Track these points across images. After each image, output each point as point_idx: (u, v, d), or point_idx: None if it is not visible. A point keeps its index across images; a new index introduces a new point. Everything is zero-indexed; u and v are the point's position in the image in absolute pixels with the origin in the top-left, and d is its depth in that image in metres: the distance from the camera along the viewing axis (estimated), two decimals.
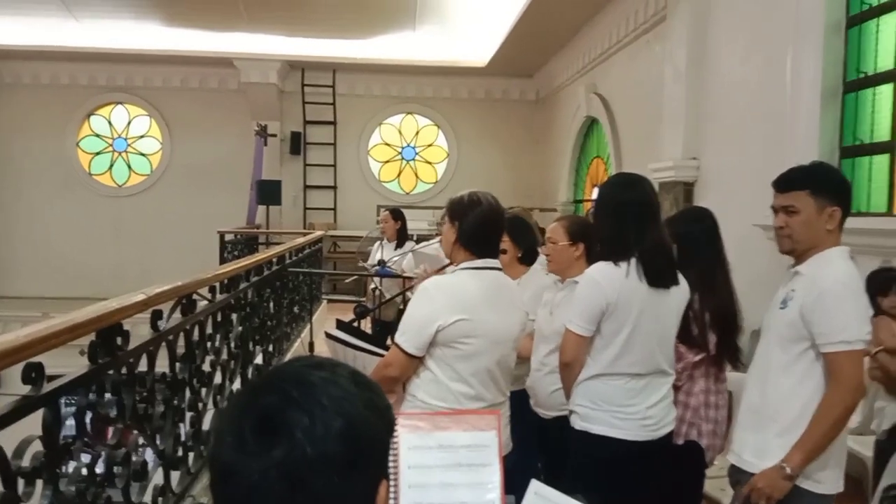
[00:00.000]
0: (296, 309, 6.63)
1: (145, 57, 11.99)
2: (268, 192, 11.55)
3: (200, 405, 3.18)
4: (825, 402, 2.18)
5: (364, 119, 13.22)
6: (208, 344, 3.33)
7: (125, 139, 13.36)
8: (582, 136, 10.62)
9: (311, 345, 4.64)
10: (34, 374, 1.78)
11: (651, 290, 2.50)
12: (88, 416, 2.11)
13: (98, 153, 13.31)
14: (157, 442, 2.67)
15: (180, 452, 2.91)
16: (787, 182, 2.32)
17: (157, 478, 2.66)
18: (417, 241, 6.17)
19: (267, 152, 12.26)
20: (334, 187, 13.04)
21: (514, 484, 1.70)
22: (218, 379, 3.47)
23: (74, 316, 2.03)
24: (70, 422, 2.02)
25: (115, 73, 12.75)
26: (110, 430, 2.27)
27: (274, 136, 12.51)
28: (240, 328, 3.99)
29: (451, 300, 2.38)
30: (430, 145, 13.61)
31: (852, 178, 4.48)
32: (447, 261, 2.67)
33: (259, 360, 4.62)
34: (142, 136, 13.36)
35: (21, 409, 1.75)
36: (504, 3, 9.34)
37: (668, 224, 2.82)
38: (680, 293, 2.61)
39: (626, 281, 2.48)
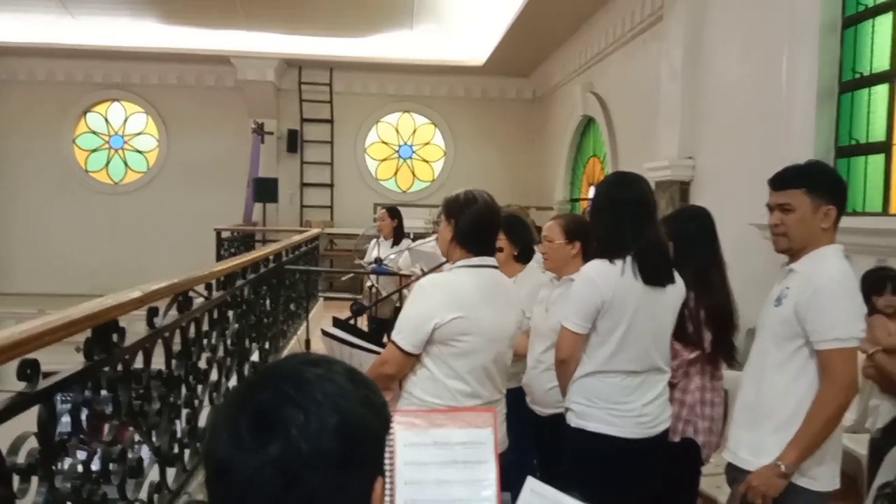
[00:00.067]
0: (292, 306, 6.63)
1: (142, 54, 11.96)
2: (264, 190, 11.54)
3: (196, 402, 3.18)
4: (818, 400, 2.19)
5: (361, 117, 13.21)
6: (204, 341, 3.34)
7: (122, 136, 13.32)
8: (578, 135, 10.63)
9: (308, 342, 4.65)
10: (30, 371, 1.78)
11: (647, 288, 2.51)
12: (84, 413, 2.11)
13: (94, 150, 13.28)
14: (153, 439, 2.67)
15: (176, 449, 2.91)
16: (783, 180, 2.33)
17: (153, 475, 2.66)
18: (414, 239, 6.17)
19: (264, 150, 12.24)
20: (331, 185, 13.03)
21: (510, 481, 1.70)
22: (214, 376, 3.47)
23: (70, 313, 2.03)
24: (66, 418, 2.02)
25: (111, 70, 12.72)
26: (106, 427, 2.26)
27: (271, 133, 12.48)
28: (236, 325, 3.99)
29: (448, 298, 2.38)
30: (426, 144, 13.61)
31: (848, 177, 4.49)
32: (444, 259, 2.67)
33: (255, 357, 4.62)
34: (138, 134, 13.32)
35: (16, 406, 1.75)
36: (501, 3, 9.33)
37: (665, 223, 2.83)
38: (676, 291, 2.62)
39: (622, 279, 2.49)
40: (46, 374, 1.86)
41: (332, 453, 0.81)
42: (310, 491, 0.80)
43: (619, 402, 2.53)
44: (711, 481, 3.21)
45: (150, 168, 13.23)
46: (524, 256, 3.50)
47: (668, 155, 6.40)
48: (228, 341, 3.78)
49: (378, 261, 5.63)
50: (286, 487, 0.80)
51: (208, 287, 3.49)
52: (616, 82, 8.76)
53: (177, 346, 2.94)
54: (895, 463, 2.88)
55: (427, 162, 13.61)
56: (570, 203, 10.97)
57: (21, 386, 1.79)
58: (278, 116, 12.79)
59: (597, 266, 2.54)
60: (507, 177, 12.33)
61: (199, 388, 3.24)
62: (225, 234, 10.36)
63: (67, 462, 2.01)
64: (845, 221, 2.35)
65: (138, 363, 2.47)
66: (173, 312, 2.89)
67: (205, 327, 3.35)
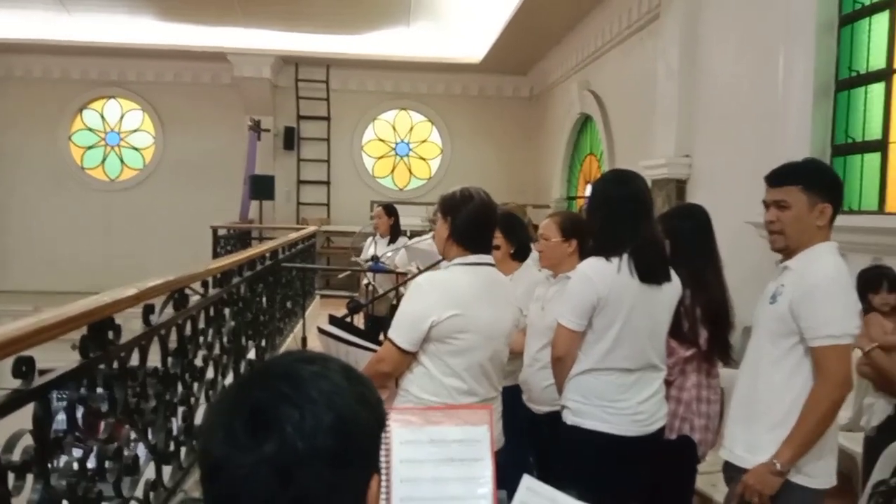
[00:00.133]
0: (288, 304, 6.62)
1: (138, 51, 11.92)
2: (261, 187, 11.52)
3: (192, 400, 3.17)
4: (812, 398, 2.19)
5: (358, 115, 13.19)
6: (200, 338, 3.33)
7: (118, 133, 13.29)
8: (575, 133, 10.63)
9: (304, 340, 4.64)
10: (25, 368, 1.77)
11: (643, 286, 2.51)
12: (80, 411, 2.10)
13: (90, 147, 13.24)
14: (149, 436, 2.66)
15: (172, 447, 2.91)
16: (780, 177, 2.33)
17: (149, 472, 2.66)
18: (410, 237, 6.17)
19: (260, 147, 12.22)
20: (328, 183, 13.01)
21: (506, 479, 1.70)
22: (210, 374, 3.46)
23: (66, 310, 2.02)
24: (61, 416, 2.01)
25: (107, 67, 12.68)
26: (102, 425, 2.26)
27: (267, 131, 12.47)
28: (232, 323, 3.98)
29: (445, 296, 2.38)
30: (423, 141, 13.60)
31: (844, 176, 4.50)
32: (440, 256, 2.67)
33: (251, 354, 4.61)
34: (134, 131, 13.29)
35: (12, 404, 1.74)
36: (498, 0, 9.33)
37: (661, 220, 2.83)
38: (672, 289, 2.62)
39: (618, 276, 2.49)
40: (42, 372, 1.85)
41: (327, 451, 0.81)
42: (305, 489, 0.80)
43: (615, 400, 2.53)
44: (708, 479, 3.21)
45: (147, 165, 13.20)
46: (521, 254, 3.50)
47: (664, 153, 6.40)
48: (225, 339, 3.77)
49: (375, 258, 5.63)
50: (282, 485, 0.79)
51: (204, 284, 3.49)
52: (613, 80, 8.77)
53: (173, 343, 2.93)
54: (890, 461, 2.89)
55: (424, 159, 13.60)
56: (566, 201, 10.98)
57: (16, 383, 1.78)
58: (275, 114, 12.76)
59: (593, 264, 2.55)
60: (503, 174, 12.33)
61: (196, 385, 3.23)
62: (221, 232, 10.35)
63: (63, 460, 2.01)
64: (841, 220, 2.36)
65: (134, 360, 2.46)
66: (169, 310, 2.88)
67: (201, 325, 3.34)
